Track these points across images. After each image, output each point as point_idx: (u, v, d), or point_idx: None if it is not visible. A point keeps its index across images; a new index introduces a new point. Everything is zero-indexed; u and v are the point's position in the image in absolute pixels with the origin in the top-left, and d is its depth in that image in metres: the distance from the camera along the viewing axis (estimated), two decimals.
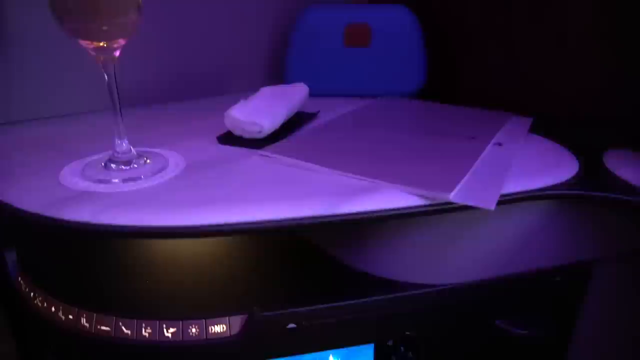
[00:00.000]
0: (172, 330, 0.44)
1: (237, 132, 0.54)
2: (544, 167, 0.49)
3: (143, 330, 0.44)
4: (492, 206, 0.38)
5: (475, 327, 0.52)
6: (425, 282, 0.49)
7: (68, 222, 0.37)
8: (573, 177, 0.48)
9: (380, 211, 0.40)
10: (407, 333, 0.50)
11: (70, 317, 0.45)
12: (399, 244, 0.49)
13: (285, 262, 0.54)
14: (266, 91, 0.60)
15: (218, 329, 0.44)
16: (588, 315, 0.55)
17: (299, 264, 0.54)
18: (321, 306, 0.45)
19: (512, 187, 0.44)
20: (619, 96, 0.59)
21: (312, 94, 0.68)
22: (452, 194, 0.39)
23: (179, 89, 0.78)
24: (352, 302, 0.46)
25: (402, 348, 0.51)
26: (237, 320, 0.44)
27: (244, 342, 0.44)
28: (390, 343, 0.51)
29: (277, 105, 0.57)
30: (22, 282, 0.50)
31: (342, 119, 0.64)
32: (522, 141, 0.55)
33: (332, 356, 0.50)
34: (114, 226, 0.37)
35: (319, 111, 0.68)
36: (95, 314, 0.44)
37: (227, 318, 0.44)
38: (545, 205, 0.48)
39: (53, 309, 0.46)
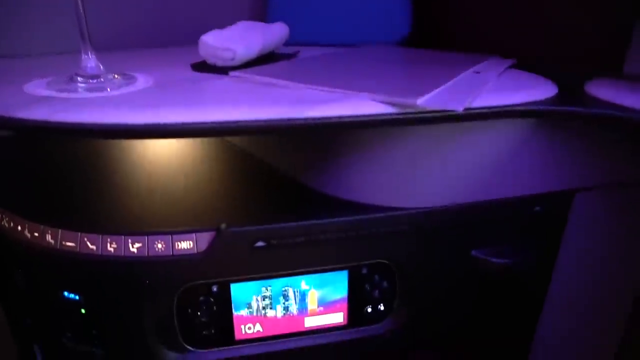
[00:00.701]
0: (137, 245, 0.43)
1: (210, 60, 0.53)
2: (521, 88, 0.48)
3: (108, 245, 0.43)
4: (459, 107, 0.37)
5: (451, 256, 0.51)
6: (397, 205, 0.48)
7: (24, 120, 0.36)
8: (552, 98, 0.47)
9: (346, 117, 0.39)
10: (381, 261, 0.50)
11: (36, 234, 0.44)
12: (368, 165, 0.47)
13: (255, 185, 0.53)
14: (244, 23, 0.59)
15: (185, 245, 0.43)
16: (569, 247, 0.54)
17: (269, 187, 0.53)
18: (290, 224, 0.44)
19: (487, 101, 0.43)
20: (596, 32, 0.58)
21: (293, 42, 0.67)
22: (420, 99, 0.38)
23: (157, 36, 0.76)
24: (321, 221, 0.45)
25: (376, 277, 0.50)
26: (204, 237, 0.43)
27: (211, 259, 0.44)
28: (364, 271, 0.50)
29: (252, 36, 0.55)
30: None
31: (319, 56, 0.63)
32: (501, 71, 0.54)
33: (305, 282, 0.49)
34: (72, 124, 0.36)
35: (298, 51, 0.66)
36: (60, 230, 0.44)
37: (194, 234, 0.43)
38: (524, 128, 0.47)
39: (19, 227, 0.45)
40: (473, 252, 0.51)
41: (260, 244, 0.44)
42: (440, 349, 0.57)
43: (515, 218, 0.51)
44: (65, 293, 0.46)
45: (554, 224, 0.53)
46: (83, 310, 0.46)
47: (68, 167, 0.54)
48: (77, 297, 0.46)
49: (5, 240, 0.47)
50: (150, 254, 0.43)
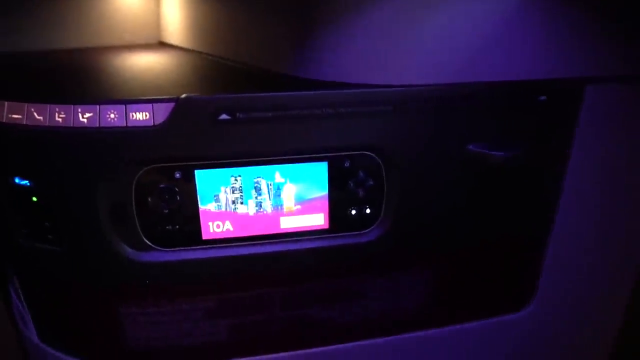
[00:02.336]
0: (87, 115, 0.39)
1: None
2: None
3: (56, 115, 0.39)
4: None
5: (446, 150, 0.45)
6: (379, 82, 0.42)
7: None
8: None
9: None
10: (366, 153, 0.44)
11: None
12: (345, 36, 0.43)
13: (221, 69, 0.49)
14: None
15: (140, 115, 0.39)
16: (580, 148, 0.48)
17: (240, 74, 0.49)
18: (259, 94, 0.40)
19: None
20: None
21: None
22: None
23: None
24: (293, 93, 0.40)
25: (360, 173, 0.45)
26: (162, 108, 0.39)
27: (170, 134, 0.39)
28: (347, 164, 0.45)
29: None
30: None
31: None
32: None
33: (280, 174, 0.44)
34: None
35: None
36: (5, 103, 0.40)
37: (151, 105, 0.39)
38: None
39: None
40: (470, 146, 0.45)
41: (224, 116, 0.39)
42: (432, 265, 0.51)
43: (517, 107, 0.45)
44: (17, 179, 0.42)
45: (563, 120, 0.47)
46: (34, 198, 0.42)
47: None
48: (27, 183, 0.42)
49: None
50: (101, 124, 0.38)
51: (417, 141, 0.44)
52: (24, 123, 0.39)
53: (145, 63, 0.59)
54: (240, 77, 0.48)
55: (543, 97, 0.45)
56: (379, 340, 0.53)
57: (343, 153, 0.44)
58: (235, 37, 0.56)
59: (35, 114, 0.39)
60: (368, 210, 0.46)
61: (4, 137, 0.40)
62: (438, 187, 0.46)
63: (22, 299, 0.51)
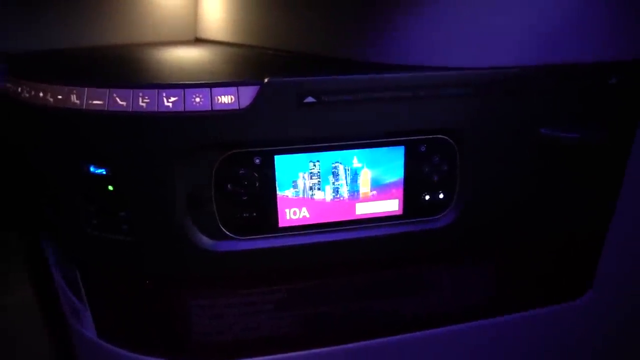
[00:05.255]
0: (173, 99, 0.38)
1: None
2: None
3: (140, 100, 0.38)
4: None
5: (519, 133, 0.45)
6: (458, 64, 0.42)
7: None
8: None
9: None
10: (441, 136, 0.44)
11: (60, 97, 0.40)
12: (422, 20, 0.42)
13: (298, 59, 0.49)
14: None
15: (225, 99, 0.38)
16: None
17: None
18: (345, 77, 0.39)
19: None
20: None
21: None
22: None
23: None
24: (378, 75, 0.40)
25: (435, 157, 0.45)
26: (248, 91, 0.38)
27: (254, 118, 0.39)
28: (422, 149, 0.44)
29: None
30: (10, 85, 0.45)
31: None
32: None
33: (357, 159, 0.43)
34: None
35: None
36: (86, 88, 0.39)
37: (236, 88, 0.38)
38: None
39: (40, 94, 0.41)
40: (543, 129, 0.45)
41: (309, 99, 0.39)
42: (499, 251, 0.51)
43: (587, 90, 0.45)
44: (92, 168, 0.41)
45: (632, 102, 0.47)
46: (110, 187, 0.41)
47: None
48: (104, 171, 0.41)
49: (21, 116, 0.42)
50: (187, 108, 0.38)
51: (490, 124, 0.44)
52: (106, 109, 0.38)
53: (199, 55, 0.59)
54: (309, 64, 0.48)
55: (613, 79, 0.45)
56: (444, 329, 0.53)
57: (420, 137, 0.43)
58: (291, 27, 0.55)
59: (118, 99, 0.38)
60: (441, 196, 0.46)
61: (82, 124, 0.40)
62: (509, 170, 0.46)
63: (82, 293, 0.50)
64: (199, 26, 0.77)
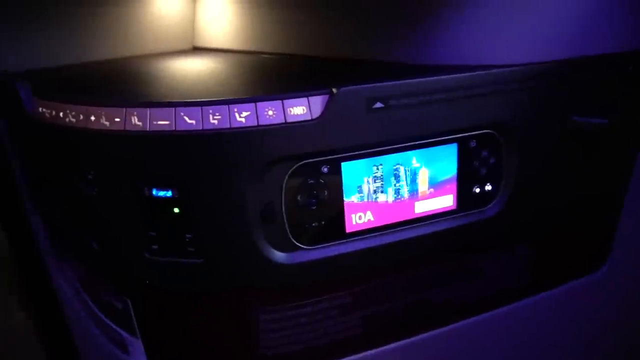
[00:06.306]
0: (245, 114, 0.37)
1: None
2: None
3: (211, 117, 0.37)
4: None
5: (555, 123, 0.48)
6: (495, 62, 0.44)
7: None
8: None
9: None
10: (489, 131, 0.46)
11: (117, 119, 0.38)
12: (466, 22, 0.44)
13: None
14: None
15: (298, 110, 0.38)
16: None
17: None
18: (408, 81, 0.40)
19: None
20: None
21: None
22: None
23: None
24: (439, 77, 0.41)
25: (483, 152, 0.47)
26: (318, 101, 0.38)
27: (326, 127, 0.39)
28: (473, 144, 0.46)
29: None
30: (45, 109, 0.42)
31: None
32: None
33: (416, 159, 0.45)
34: None
35: None
36: (148, 109, 0.37)
37: (307, 98, 0.38)
38: None
39: (92, 117, 0.39)
40: (574, 117, 0.48)
41: (378, 105, 0.40)
42: (536, 235, 0.54)
43: (609, 78, 0.49)
44: (154, 191, 0.39)
45: None
46: (176, 210, 0.40)
47: None
48: (169, 193, 0.39)
49: (71, 142, 0.40)
50: (260, 122, 0.37)
51: (531, 116, 0.46)
52: (174, 129, 0.37)
53: (217, 65, 0.57)
54: (363, 70, 0.48)
55: (630, 67, 0.50)
56: (485, 315, 0.55)
57: (471, 133, 0.45)
58: (320, 32, 0.55)
59: (186, 118, 0.37)
60: (488, 187, 0.48)
61: (146, 146, 0.38)
62: (547, 158, 0.49)
63: (133, 321, 0.48)
64: (198, 35, 0.75)
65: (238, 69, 0.54)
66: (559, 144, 0.48)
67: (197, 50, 0.76)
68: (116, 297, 0.48)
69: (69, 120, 0.40)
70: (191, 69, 0.55)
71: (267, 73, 0.51)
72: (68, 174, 0.42)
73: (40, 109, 0.42)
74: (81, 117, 0.39)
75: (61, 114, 0.40)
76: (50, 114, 0.41)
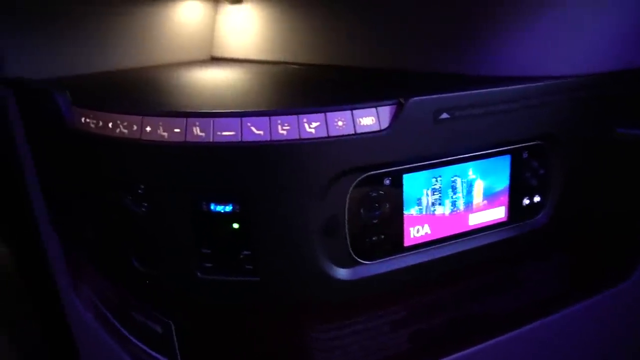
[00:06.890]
0: (315, 124, 0.36)
1: None
2: None
3: (279, 128, 0.35)
4: None
5: (600, 134, 0.48)
6: (548, 74, 0.45)
7: None
8: None
9: None
10: (538, 143, 0.46)
11: (177, 130, 0.36)
12: (520, 34, 0.44)
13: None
14: None
15: (367, 121, 0.37)
16: None
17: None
18: (476, 92, 0.40)
19: None
20: None
21: None
22: None
23: None
24: (501, 88, 0.41)
25: (534, 163, 0.47)
26: (386, 111, 0.37)
27: (393, 136, 0.38)
28: (524, 156, 0.46)
29: None
30: (89, 120, 0.39)
31: None
32: None
33: (472, 170, 0.44)
34: None
35: None
36: (212, 119, 0.35)
37: (375, 109, 0.37)
38: None
39: (148, 128, 0.36)
40: (619, 129, 0.49)
41: (444, 115, 0.39)
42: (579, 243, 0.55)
43: None
44: (213, 205, 0.37)
45: None
46: (236, 225, 0.38)
47: None
48: (229, 208, 0.37)
49: (119, 154, 0.37)
50: (330, 133, 0.36)
51: (578, 127, 0.47)
52: (240, 140, 0.35)
53: (249, 75, 0.55)
54: (411, 81, 0.47)
55: None
56: (532, 325, 0.55)
57: (523, 144, 0.45)
58: (368, 44, 0.55)
59: (253, 128, 0.35)
60: (537, 198, 0.48)
61: (208, 158, 0.36)
62: (593, 168, 0.49)
63: (174, 345, 0.45)
64: (215, 46, 0.73)
65: (274, 79, 0.52)
66: (604, 155, 0.49)
67: (218, 60, 0.74)
68: (155, 319, 0.46)
69: (120, 131, 0.37)
70: (225, 79, 0.53)
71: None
72: (113, 188, 0.40)
73: (83, 119, 0.40)
74: (134, 127, 0.37)
75: (110, 125, 0.38)
76: (97, 124, 0.39)
